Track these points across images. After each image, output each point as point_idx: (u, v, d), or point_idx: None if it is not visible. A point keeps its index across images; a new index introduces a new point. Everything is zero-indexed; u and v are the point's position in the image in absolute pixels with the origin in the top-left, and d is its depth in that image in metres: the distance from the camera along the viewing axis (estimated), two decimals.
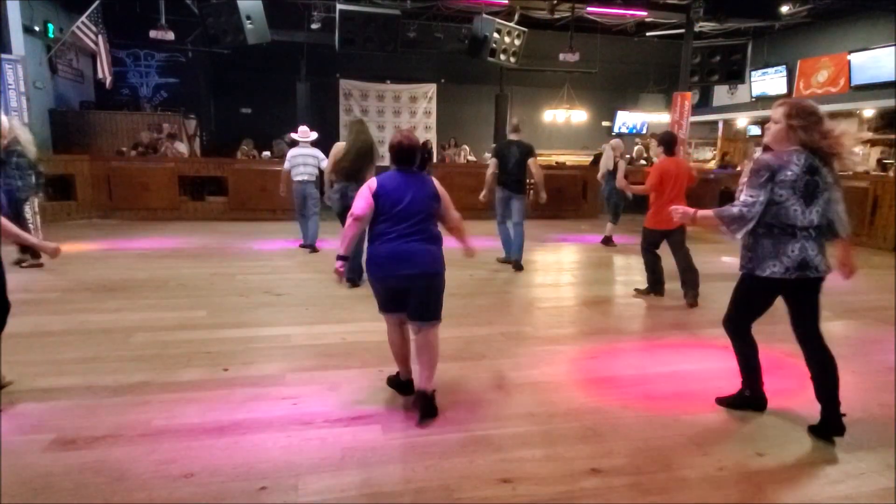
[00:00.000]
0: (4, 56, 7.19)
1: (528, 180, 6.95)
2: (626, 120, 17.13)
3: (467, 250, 3.25)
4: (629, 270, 6.82)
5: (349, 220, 2.93)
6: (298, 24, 12.19)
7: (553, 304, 5.40)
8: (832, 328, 4.78)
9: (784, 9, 10.97)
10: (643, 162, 13.50)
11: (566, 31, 11.88)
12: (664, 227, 5.22)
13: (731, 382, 3.50)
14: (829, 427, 2.78)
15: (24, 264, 5.91)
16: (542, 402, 3.16)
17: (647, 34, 13.70)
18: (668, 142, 5.42)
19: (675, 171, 5.23)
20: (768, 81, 14.31)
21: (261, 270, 6.30)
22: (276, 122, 13.85)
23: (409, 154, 3.02)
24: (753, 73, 14.09)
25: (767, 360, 3.88)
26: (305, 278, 6.00)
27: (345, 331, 4.19)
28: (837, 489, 2.41)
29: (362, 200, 2.92)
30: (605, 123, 17.28)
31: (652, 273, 5.55)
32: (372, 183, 2.98)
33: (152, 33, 10.01)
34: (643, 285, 5.71)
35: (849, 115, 13.35)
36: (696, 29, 10.49)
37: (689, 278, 5.26)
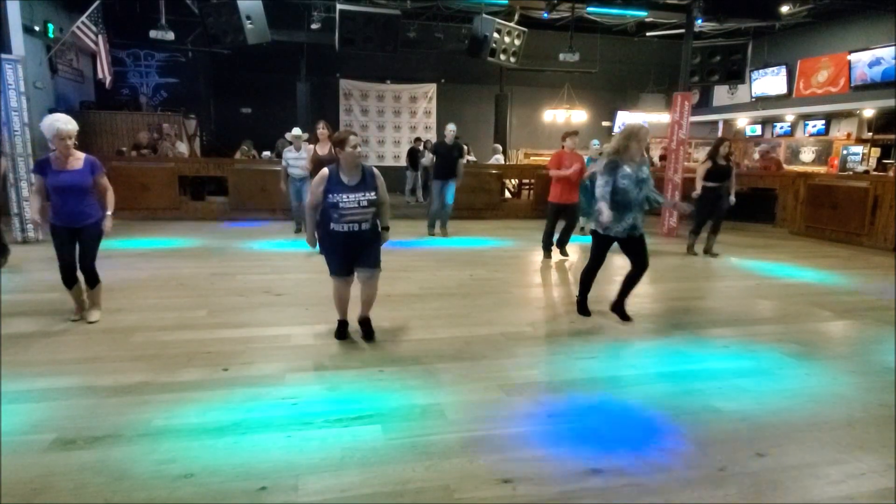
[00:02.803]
0: (4, 56, 7.18)
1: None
2: (626, 120, 17.12)
3: None
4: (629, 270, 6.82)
5: None
6: (298, 24, 12.20)
7: (553, 304, 5.40)
8: (832, 328, 4.79)
9: (784, 9, 10.96)
10: None
11: (566, 31, 11.89)
12: (565, 201, 6.93)
13: (731, 382, 3.51)
14: (619, 313, 4.71)
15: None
16: (542, 402, 3.16)
17: (647, 34, 13.71)
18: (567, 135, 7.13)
19: (569, 158, 6.90)
20: (768, 81, 14.32)
21: (261, 270, 6.30)
22: (276, 122, 13.87)
23: None
24: (753, 73, 14.10)
25: (770, 360, 3.90)
26: (305, 278, 5.99)
27: None
28: (838, 489, 2.41)
29: None
30: (605, 123, 17.29)
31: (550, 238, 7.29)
32: None
33: (152, 33, 10.00)
34: (644, 285, 5.73)
35: (849, 114, 13.37)
36: (696, 29, 10.48)
37: (563, 239, 7.30)
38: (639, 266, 4.58)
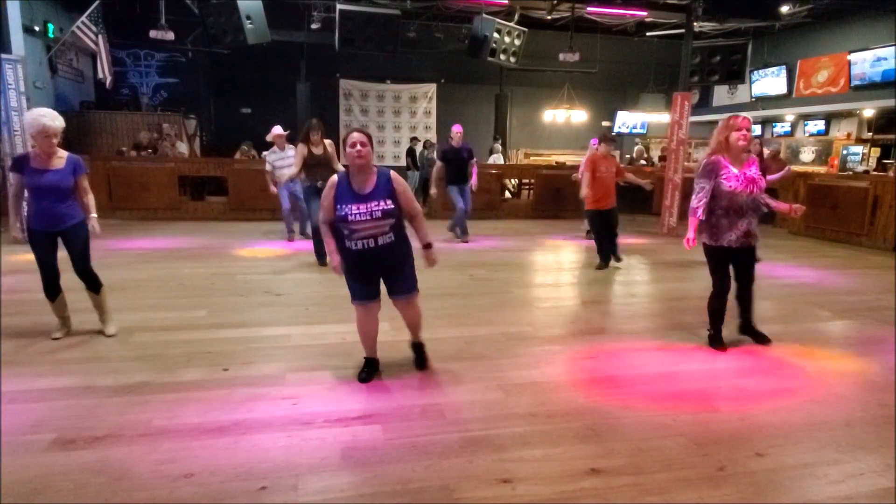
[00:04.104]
0: (4, 56, 7.19)
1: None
2: (626, 120, 17.13)
3: None
4: (629, 270, 6.82)
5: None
6: (298, 24, 12.20)
7: (553, 304, 5.40)
8: (832, 328, 4.79)
9: (784, 9, 10.97)
10: (643, 162, 13.50)
11: (566, 31, 11.89)
12: (602, 207, 6.65)
13: (731, 382, 3.51)
14: (752, 335, 4.18)
15: None
16: (542, 402, 3.16)
17: (647, 34, 13.71)
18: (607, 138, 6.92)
19: (604, 163, 6.66)
20: (768, 81, 14.32)
21: (261, 270, 6.30)
22: (276, 122, 13.84)
23: None
24: (753, 73, 14.10)
25: (770, 360, 3.90)
26: (305, 278, 5.99)
27: (345, 331, 4.18)
28: (837, 489, 2.41)
29: None
30: (605, 123, 17.29)
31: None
32: None
33: (152, 33, 10.01)
34: (644, 285, 5.80)
35: (849, 115, 13.37)
36: (696, 29, 10.48)
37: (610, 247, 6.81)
38: (745, 282, 4.08)
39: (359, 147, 3.08)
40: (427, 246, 3.34)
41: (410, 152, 14.24)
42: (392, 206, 3.13)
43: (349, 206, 3.09)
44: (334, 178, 3.24)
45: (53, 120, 3.69)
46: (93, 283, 4.04)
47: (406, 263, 3.33)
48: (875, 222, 8.69)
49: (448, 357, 3.79)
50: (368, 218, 3.08)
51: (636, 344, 4.19)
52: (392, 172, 3.24)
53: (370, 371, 3.43)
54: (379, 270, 3.28)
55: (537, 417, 2.98)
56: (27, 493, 2.26)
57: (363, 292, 3.29)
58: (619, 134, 17.33)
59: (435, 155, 13.19)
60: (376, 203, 3.09)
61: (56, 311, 4.01)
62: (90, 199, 3.95)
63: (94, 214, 3.95)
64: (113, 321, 4.14)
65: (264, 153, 12.18)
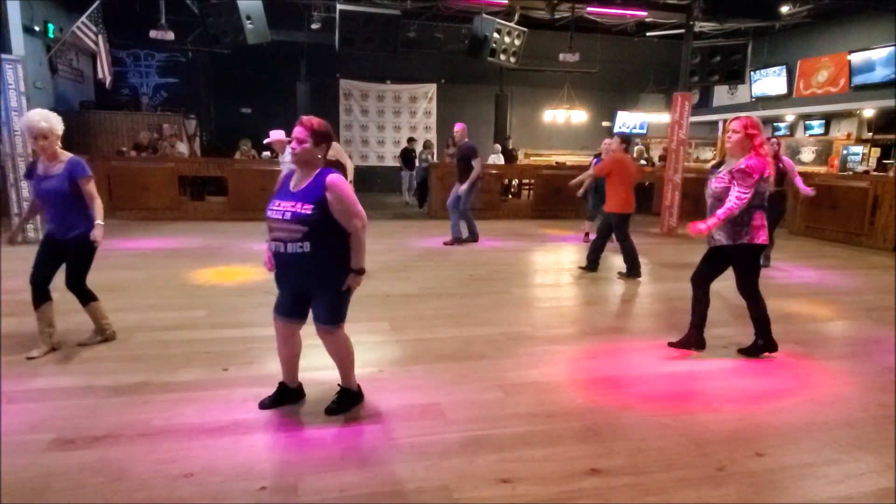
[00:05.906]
0: (4, 56, 7.19)
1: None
2: (626, 120, 17.12)
3: None
4: None
5: (363, 228, 2.76)
6: (298, 24, 12.21)
7: (553, 304, 5.40)
8: (832, 328, 4.79)
9: (784, 9, 10.96)
10: (643, 162, 13.50)
11: (566, 31, 11.89)
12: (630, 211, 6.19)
13: (731, 382, 3.51)
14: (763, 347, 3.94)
15: None
16: (542, 402, 3.16)
17: (647, 34, 13.71)
18: (628, 139, 6.70)
19: (628, 163, 6.28)
20: (768, 81, 14.32)
21: (261, 270, 6.27)
22: (276, 122, 13.84)
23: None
24: (753, 73, 14.09)
25: (770, 360, 3.90)
26: None
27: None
28: (837, 489, 2.41)
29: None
30: (605, 123, 17.29)
31: (633, 257, 6.19)
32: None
33: (152, 33, 10.00)
34: (645, 285, 5.84)
35: (849, 115, 13.37)
36: (696, 29, 10.49)
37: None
38: (739, 287, 3.95)
39: (294, 142, 2.73)
40: (356, 271, 2.77)
41: (404, 153, 14.14)
42: (308, 213, 2.64)
43: (274, 201, 2.76)
44: (284, 170, 2.94)
45: (39, 121, 3.44)
46: (82, 297, 3.83)
47: (326, 287, 2.78)
48: (875, 222, 8.69)
49: (448, 357, 3.79)
50: (280, 217, 2.69)
51: (636, 344, 4.19)
52: (332, 177, 2.70)
53: (275, 399, 3.00)
54: (294, 283, 2.83)
55: (537, 417, 2.98)
56: (27, 493, 2.26)
57: (279, 303, 2.91)
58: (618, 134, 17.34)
59: (430, 156, 13.22)
60: (293, 204, 2.68)
61: (39, 319, 3.70)
62: (96, 205, 3.65)
63: (98, 221, 3.62)
64: (98, 334, 3.92)
65: (264, 154, 12.18)
